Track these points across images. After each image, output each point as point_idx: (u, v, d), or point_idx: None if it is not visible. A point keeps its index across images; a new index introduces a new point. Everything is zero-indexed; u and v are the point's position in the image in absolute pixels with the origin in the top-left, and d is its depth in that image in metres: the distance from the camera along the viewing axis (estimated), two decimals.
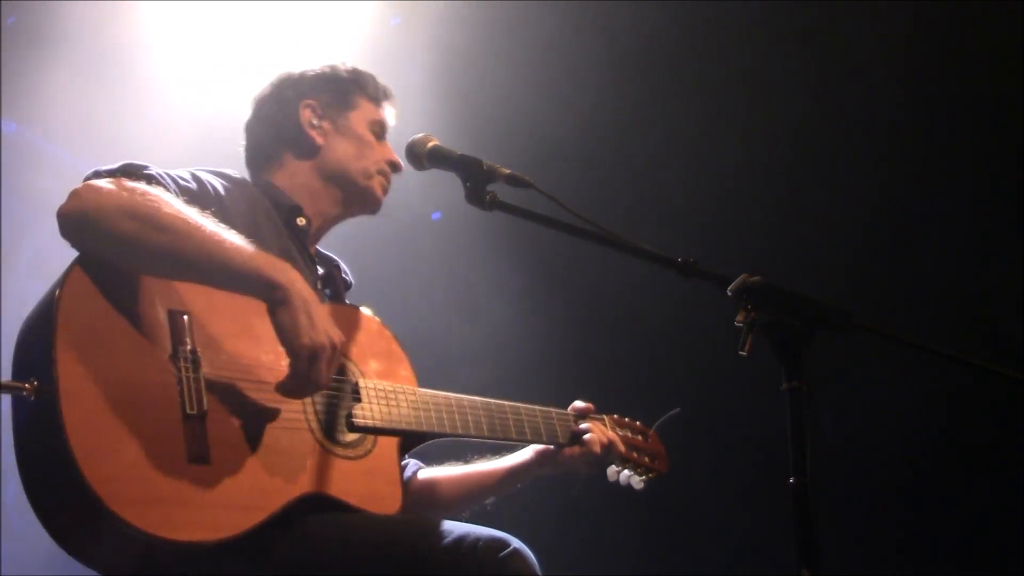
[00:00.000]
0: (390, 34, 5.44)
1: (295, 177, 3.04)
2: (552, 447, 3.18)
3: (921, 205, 5.31)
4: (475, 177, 2.61)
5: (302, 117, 3.06)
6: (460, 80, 5.32)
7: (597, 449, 3.18)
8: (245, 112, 3.18)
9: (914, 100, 5.22)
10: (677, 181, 5.50)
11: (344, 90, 3.11)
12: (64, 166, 5.13)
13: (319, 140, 3.06)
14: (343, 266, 3.15)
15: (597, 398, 3.34)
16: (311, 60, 3.21)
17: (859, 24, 5.20)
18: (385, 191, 3.12)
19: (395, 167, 3.11)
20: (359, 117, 3.09)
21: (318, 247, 3.12)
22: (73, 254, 2.45)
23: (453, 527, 2.51)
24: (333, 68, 3.16)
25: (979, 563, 5.10)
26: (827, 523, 2.17)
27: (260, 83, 3.20)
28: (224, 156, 3.10)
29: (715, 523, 5.35)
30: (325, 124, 3.07)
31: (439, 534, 2.49)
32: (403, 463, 3.04)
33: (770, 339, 2.27)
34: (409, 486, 3.05)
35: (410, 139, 2.85)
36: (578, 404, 3.28)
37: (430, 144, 2.78)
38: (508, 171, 2.61)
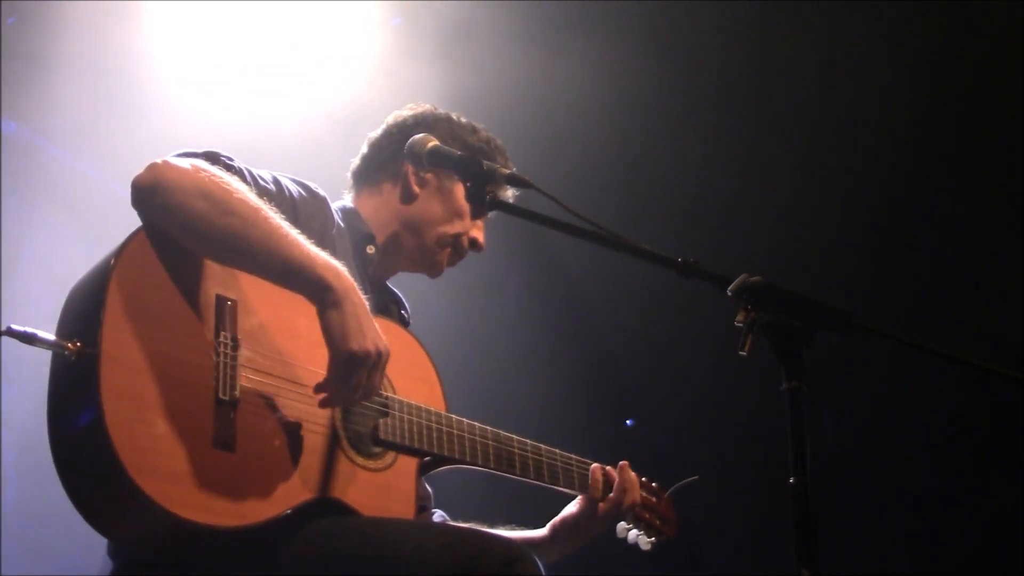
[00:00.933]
0: (390, 34, 5.45)
1: (379, 212, 3.08)
2: (567, 516, 3.23)
3: (921, 205, 5.31)
4: (475, 177, 2.60)
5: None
6: (460, 80, 5.32)
7: (615, 493, 3.20)
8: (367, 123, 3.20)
9: (915, 100, 5.22)
10: (678, 181, 5.51)
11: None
12: (64, 166, 5.13)
13: (416, 189, 3.08)
14: (405, 304, 3.18)
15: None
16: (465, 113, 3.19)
17: (860, 24, 5.20)
18: (451, 264, 3.15)
19: (475, 245, 3.14)
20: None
21: (386, 282, 3.15)
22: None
23: (460, 531, 2.54)
24: (472, 130, 3.16)
25: (979, 563, 5.10)
26: (827, 523, 2.16)
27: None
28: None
29: (715, 523, 5.36)
30: (430, 177, 3.07)
31: (446, 537, 2.51)
32: (431, 512, 3.07)
33: (770, 339, 2.26)
34: None
35: (410, 139, 2.85)
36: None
37: (430, 144, 2.77)
38: (508, 171, 2.62)
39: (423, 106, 3.19)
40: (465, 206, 3.07)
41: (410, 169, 3.06)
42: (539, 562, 2.49)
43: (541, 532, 3.27)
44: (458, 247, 3.13)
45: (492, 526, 3.22)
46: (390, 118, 3.19)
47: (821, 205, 5.41)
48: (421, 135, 2.83)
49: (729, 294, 2.31)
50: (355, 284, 2.49)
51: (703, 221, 5.46)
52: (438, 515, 3.14)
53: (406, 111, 3.19)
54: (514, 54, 5.45)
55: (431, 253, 3.11)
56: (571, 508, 3.27)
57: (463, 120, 3.17)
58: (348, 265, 2.83)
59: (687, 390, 5.57)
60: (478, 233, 3.14)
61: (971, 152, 5.21)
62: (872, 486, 5.30)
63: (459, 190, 3.07)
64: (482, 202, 2.59)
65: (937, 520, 5.19)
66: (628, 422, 5.66)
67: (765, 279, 2.30)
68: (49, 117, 5.14)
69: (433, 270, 3.16)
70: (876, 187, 5.35)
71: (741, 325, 2.27)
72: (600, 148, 5.54)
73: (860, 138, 5.32)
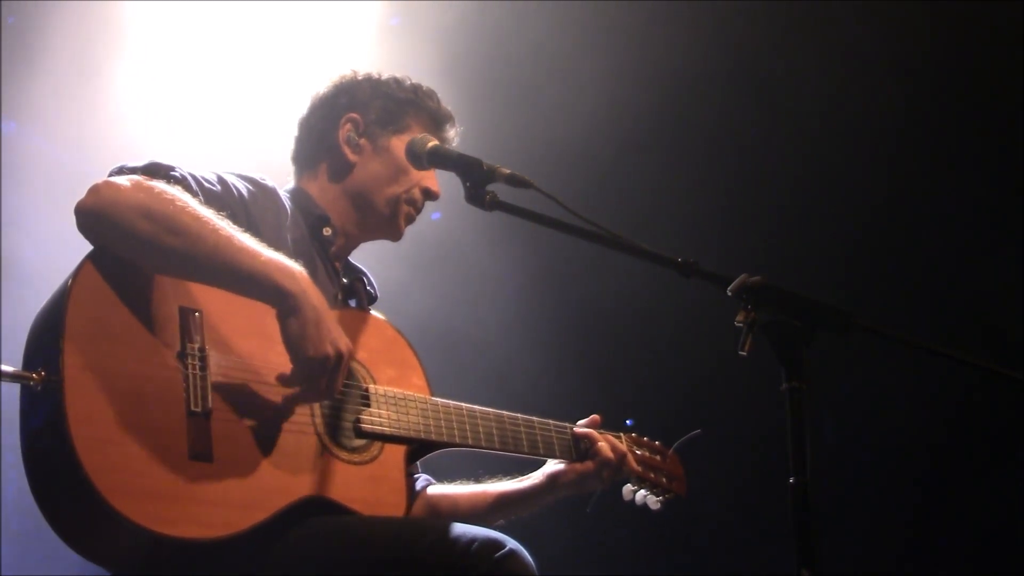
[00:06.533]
0: (390, 34, 5.44)
1: (325, 190, 3.01)
2: (564, 468, 3.11)
3: (921, 205, 5.31)
4: (475, 177, 2.60)
5: (341, 131, 3.01)
6: (460, 80, 5.32)
7: (609, 454, 3.08)
8: (296, 108, 3.12)
9: (915, 100, 5.22)
10: (677, 181, 5.50)
11: (396, 110, 3.03)
12: (64, 166, 5.12)
13: (352, 158, 3.00)
14: (370, 278, 3.11)
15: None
16: (375, 65, 3.11)
17: (861, 24, 5.20)
18: (410, 221, 3.06)
19: (430, 195, 3.04)
20: (402, 141, 2.93)
21: (348, 258, 3.09)
22: (72, 252, 2.45)
23: (450, 527, 2.51)
24: (395, 83, 3.07)
25: (979, 563, 5.10)
26: (827, 523, 2.16)
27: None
28: (227, 156, 3.09)
29: (715, 523, 5.35)
30: (363, 142, 3.01)
31: (436, 534, 2.50)
32: (415, 476, 3.04)
33: (770, 339, 2.27)
34: (416, 500, 3.03)
35: (410, 139, 2.84)
36: (584, 422, 3.19)
37: (430, 144, 2.77)
38: (508, 171, 2.59)
39: (343, 73, 3.11)
40: (406, 161, 2.89)
41: (340, 139, 3.00)
42: (527, 556, 2.48)
43: (536, 480, 3.13)
44: (412, 202, 3.03)
45: (479, 480, 3.18)
46: (312, 96, 3.11)
47: (821, 205, 5.41)
48: (419, 136, 2.81)
49: (729, 294, 2.32)
50: (312, 284, 2.47)
51: (702, 221, 5.46)
52: (423, 479, 3.11)
53: (326, 85, 3.10)
54: (512, 54, 5.45)
55: (385, 217, 3.02)
56: (559, 465, 3.13)
57: (384, 76, 3.09)
58: (308, 251, 2.81)
59: (687, 390, 5.56)
60: (430, 183, 3.03)
61: (971, 152, 5.21)
62: (872, 486, 5.29)
63: (396, 146, 2.98)
64: (481, 202, 2.58)
65: (937, 520, 5.19)
66: (628, 422, 5.65)
67: (765, 279, 2.31)
68: (49, 117, 5.14)
69: (393, 233, 3.07)
70: (876, 187, 5.35)
71: (741, 325, 2.28)
72: (600, 147, 5.53)
73: (860, 138, 5.31)
